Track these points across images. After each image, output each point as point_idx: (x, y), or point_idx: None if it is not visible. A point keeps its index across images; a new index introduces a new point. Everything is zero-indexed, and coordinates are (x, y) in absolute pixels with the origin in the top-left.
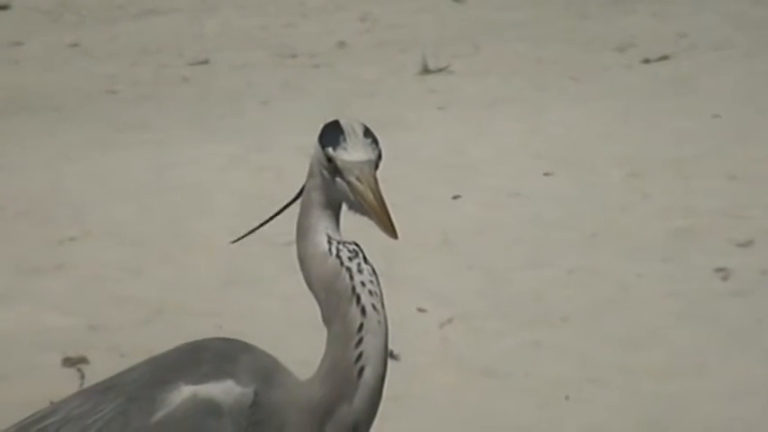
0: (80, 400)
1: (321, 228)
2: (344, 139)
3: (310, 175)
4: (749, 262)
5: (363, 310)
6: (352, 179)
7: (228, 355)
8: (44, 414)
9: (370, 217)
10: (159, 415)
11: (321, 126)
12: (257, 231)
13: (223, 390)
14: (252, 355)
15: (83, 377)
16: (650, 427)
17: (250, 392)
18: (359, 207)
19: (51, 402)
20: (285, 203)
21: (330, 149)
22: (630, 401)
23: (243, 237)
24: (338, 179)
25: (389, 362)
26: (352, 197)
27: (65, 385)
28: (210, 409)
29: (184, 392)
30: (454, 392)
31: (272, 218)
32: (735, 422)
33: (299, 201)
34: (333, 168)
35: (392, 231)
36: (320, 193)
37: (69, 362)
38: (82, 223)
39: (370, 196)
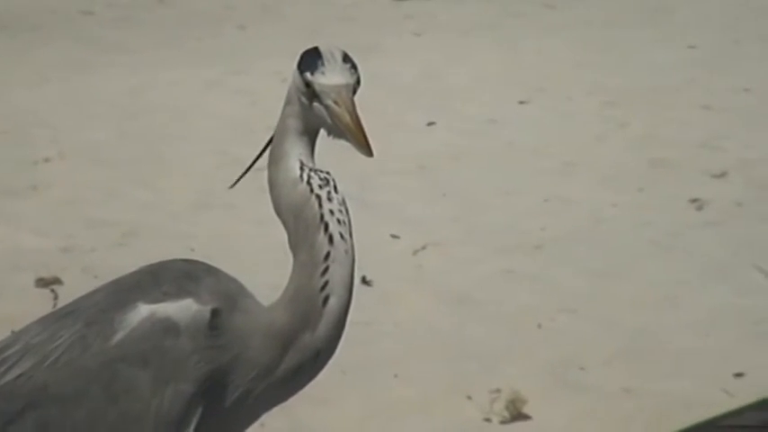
0: (39, 327)
1: (294, 154)
2: (323, 64)
3: (287, 102)
4: (723, 193)
5: (331, 239)
6: (330, 102)
7: (191, 275)
8: (5, 344)
9: (346, 139)
10: (118, 337)
11: (300, 52)
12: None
13: (181, 308)
14: (215, 278)
15: (56, 298)
16: (621, 358)
17: (207, 310)
18: (336, 130)
19: (12, 332)
20: (272, 135)
21: (308, 74)
22: (602, 331)
23: (239, 179)
24: (316, 104)
25: (362, 288)
26: (329, 121)
27: (38, 306)
28: (168, 327)
29: (142, 312)
30: (426, 319)
31: (263, 151)
32: (707, 353)
33: None
34: (311, 93)
35: (368, 150)
36: (297, 120)
37: (42, 282)
38: (57, 144)
39: (347, 118)
